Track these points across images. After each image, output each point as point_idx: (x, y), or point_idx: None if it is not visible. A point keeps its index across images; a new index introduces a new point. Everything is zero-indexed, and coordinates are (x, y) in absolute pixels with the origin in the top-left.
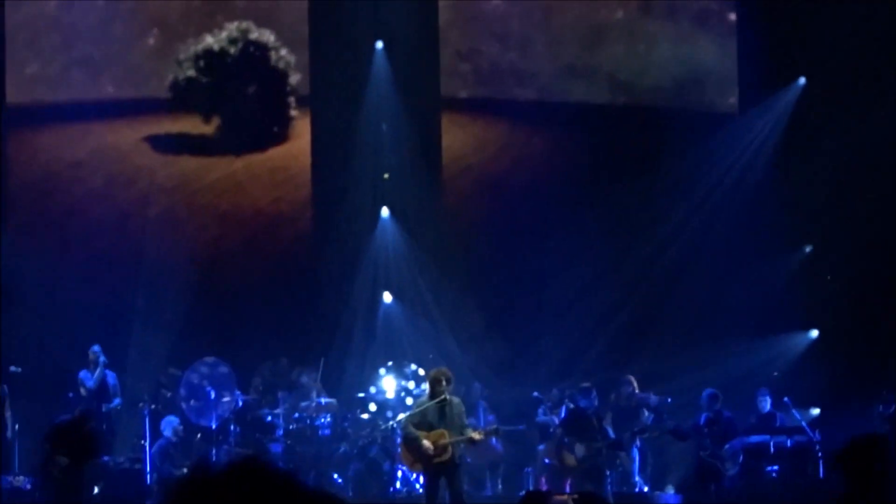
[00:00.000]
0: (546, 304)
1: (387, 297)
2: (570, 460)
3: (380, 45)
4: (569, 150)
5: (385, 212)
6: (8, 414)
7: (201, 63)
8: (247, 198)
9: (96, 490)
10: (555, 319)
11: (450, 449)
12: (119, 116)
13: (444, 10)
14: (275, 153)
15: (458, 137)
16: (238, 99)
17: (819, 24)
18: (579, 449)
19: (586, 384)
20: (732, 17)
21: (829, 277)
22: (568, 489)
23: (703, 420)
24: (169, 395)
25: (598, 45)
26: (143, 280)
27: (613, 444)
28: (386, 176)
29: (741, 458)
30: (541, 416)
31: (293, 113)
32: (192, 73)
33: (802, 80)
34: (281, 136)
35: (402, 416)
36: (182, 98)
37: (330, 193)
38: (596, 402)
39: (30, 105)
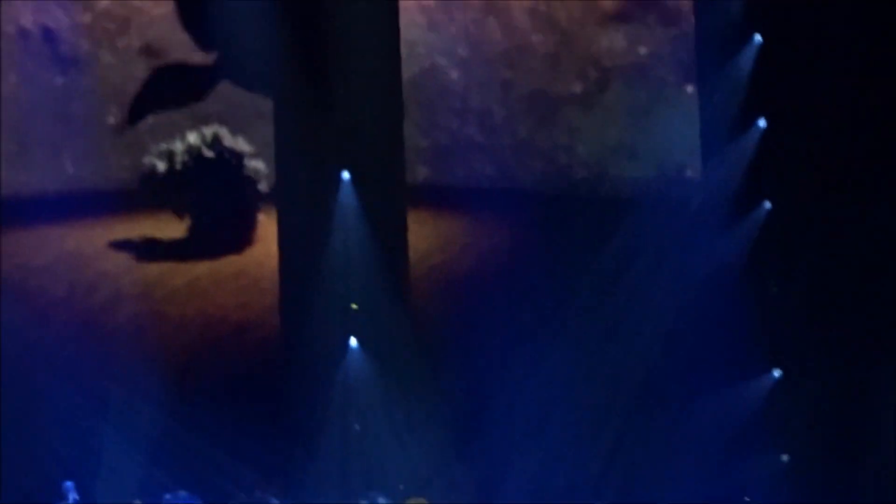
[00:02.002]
0: (517, 422)
1: (356, 426)
2: None
3: (346, 175)
4: (534, 242)
5: (353, 342)
6: None
7: (178, 159)
8: (212, 304)
9: None
10: (525, 439)
11: None
12: (83, 214)
13: (405, 85)
14: (238, 259)
15: (420, 235)
16: (210, 202)
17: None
18: None
19: None
20: (690, 88)
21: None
22: None
23: None
24: None
25: (555, 119)
26: (111, 400)
27: None
28: (354, 306)
29: None
30: None
31: (260, 218)
32: (164, 166)
33: (768, 205)
34: (246, 242)
35: None
36: (153, 192)
37: (298, 297)
38: None
39: None
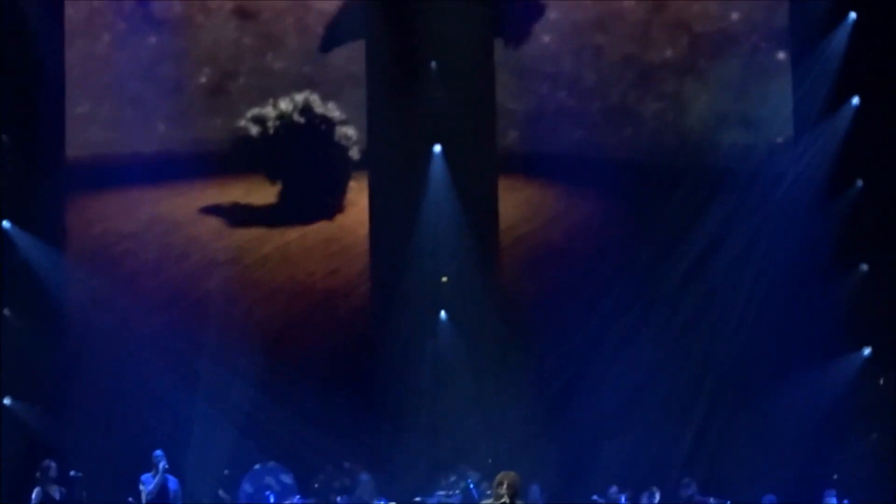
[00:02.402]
0: (607, 397)
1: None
2: None
3: (437, 148)
4: (623, 214)
5: (443, 315)
6: None
7: (270, 125)
8: (301, 271)
9: None
10: (615, 416)
11: None
12: (174, 178)
13: (497, 49)
14: (328, 225)
15: (511, 203)
16: (301, 168)
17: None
18: None
19: (653, 487)
20: (782, 55)
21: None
22: None
23: None
24: (228, 498)
25: (646, 85)
26: (201, 368)
27: None
28: (444, 279)
29: None
30: None
31: (350, 184)
32: (257, 131)
33: (860, 183)
34: (336, 208)
35: None
36: (245, 156)
37: (388, 266)
38: None
39: (88, 160)
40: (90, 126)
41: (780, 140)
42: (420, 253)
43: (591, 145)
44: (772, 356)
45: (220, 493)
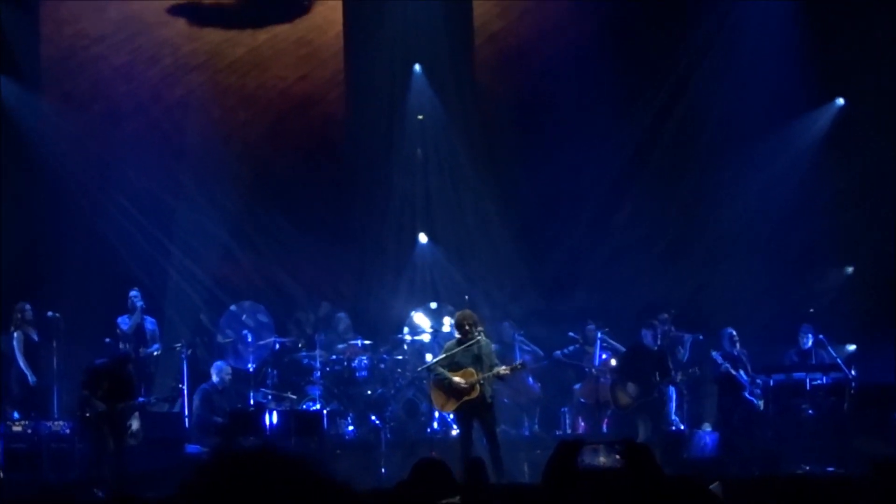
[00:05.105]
0: (584, 227)
1: (422, 238)
2: (624, 399)
3: None
4: (595, 10)
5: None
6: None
7: None
8: (272, 76)
9: (135, 428)
10: (592, 247)
11: (478, 387)
12: None
13: None
14: (299, 25)
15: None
16: None
17: None
18: (632, 388)
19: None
20: None
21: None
22: (605, 429)
23: (718, 357)
24: (206, 338)
25: None
26: (177, 192)
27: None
28: (420, 117)
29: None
30: (556, 354)
31: None
32: None
33: None
34: (304, 7)
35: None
36: None
37: (362, 71)
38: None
39: None
40: None
41: None
42: (393, 56)
43: None
44: (750, 192)
45: (202, 316)
